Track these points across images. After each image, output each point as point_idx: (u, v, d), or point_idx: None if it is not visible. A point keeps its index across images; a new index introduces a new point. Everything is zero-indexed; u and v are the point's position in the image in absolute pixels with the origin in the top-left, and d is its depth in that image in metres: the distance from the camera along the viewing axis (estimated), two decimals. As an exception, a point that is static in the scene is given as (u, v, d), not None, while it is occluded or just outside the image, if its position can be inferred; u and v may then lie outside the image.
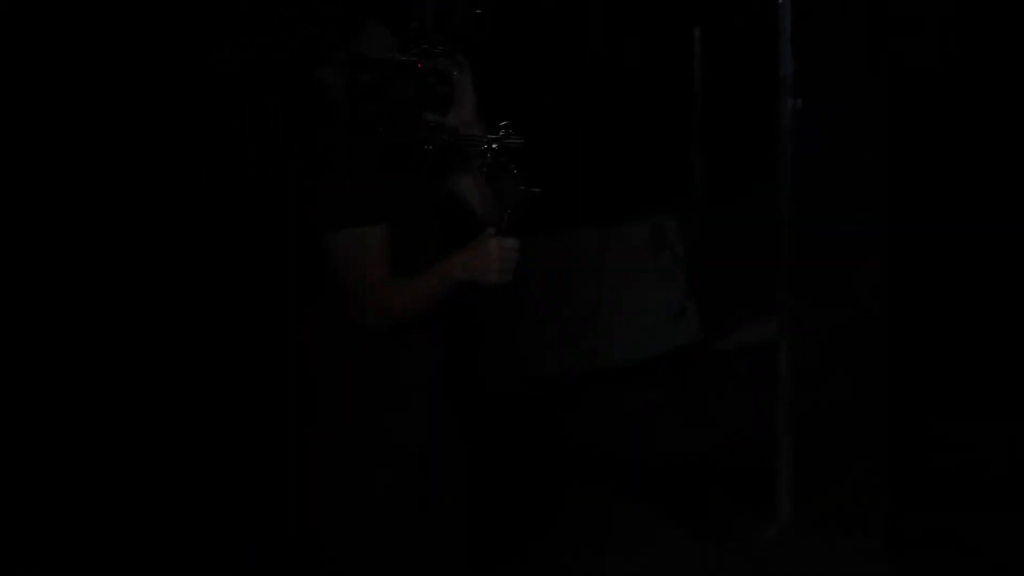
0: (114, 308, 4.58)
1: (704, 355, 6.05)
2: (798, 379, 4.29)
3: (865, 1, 4.20)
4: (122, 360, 4.57)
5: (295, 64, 3.06)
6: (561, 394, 5.70)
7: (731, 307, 6.03)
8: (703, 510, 4.59)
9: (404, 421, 2.80)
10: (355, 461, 2.76)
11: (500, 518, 4.26)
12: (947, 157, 5.93)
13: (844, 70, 4.22)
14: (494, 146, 2.65)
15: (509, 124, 2.66)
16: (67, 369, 4.50)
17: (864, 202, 4.24)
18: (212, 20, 4.56)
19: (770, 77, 4.26)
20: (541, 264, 5.68)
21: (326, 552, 2.77)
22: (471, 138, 2.71)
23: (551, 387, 5.71)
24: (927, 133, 5.64)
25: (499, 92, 4.98)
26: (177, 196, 4.75)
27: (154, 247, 4.67)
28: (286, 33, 3.44)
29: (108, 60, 4.67)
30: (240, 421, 4.43)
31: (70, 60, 4.60)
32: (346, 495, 2.75)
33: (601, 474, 4.99)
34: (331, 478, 2.77)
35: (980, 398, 5.36)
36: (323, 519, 2.77)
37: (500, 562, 3.98)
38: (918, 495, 4.49)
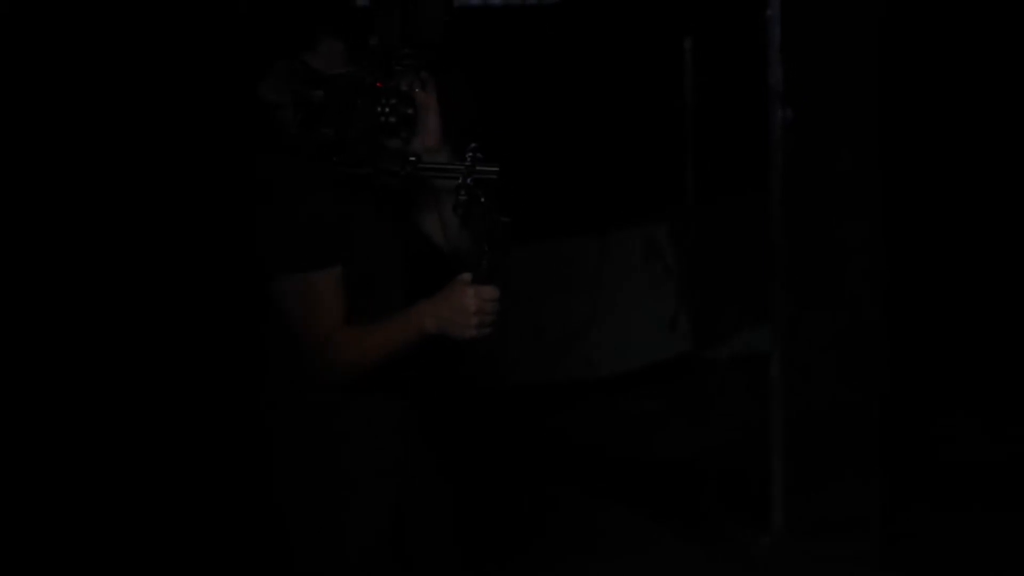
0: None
1: (697, 364, 6.08)
2: (791, 385, 4.32)
3: (858, 9, 4.23)
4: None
5: (236, 79, 2.56)
6: (554, 403, 5.72)
7: (724, 316, 6.06)
8: (698, 518, 4.61)
9: (367, 484, 2.50)
10: (320, 517, 2.49)
11: (491, 526, 4.29)
12: (939, 165, 5.97)
13: (835, 79, 4.25)
14: (469, 180, 2.30)
15: (477, 147, 2.35)
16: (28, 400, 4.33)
17: (858, 209, 4.28)
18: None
19: (761, 87, 4.29)
20: (533, 272, 5.71)
21: None
22: (445, 170, 2.39)
23: (544, 395, 5.73)
24: (920, 140, 5.68)
25: (492, 101, 5.04)
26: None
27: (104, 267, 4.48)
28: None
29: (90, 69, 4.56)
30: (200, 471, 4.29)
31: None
32: (319, 551, 2.49)
33: (595, 482, 5.01)
34: (301, 533, 2.51)
35: (974, 401, 5.40)
36: None
37: (493, 564, 3.99)
38: (912, 499, 4.52)
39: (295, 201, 2.37)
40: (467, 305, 2.25)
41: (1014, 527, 4.35)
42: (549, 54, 5.89)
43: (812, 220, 4.30)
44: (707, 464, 4.95)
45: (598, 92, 5.97)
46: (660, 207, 6.18)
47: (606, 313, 6.04)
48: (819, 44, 4.26)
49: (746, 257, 5.04)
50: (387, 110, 2.41)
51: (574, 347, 5.97)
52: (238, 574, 3.71)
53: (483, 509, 4.14)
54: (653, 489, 4.89)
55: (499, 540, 4.25)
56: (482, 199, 2.28)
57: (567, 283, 6.03)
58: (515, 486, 4.88)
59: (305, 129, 2.36)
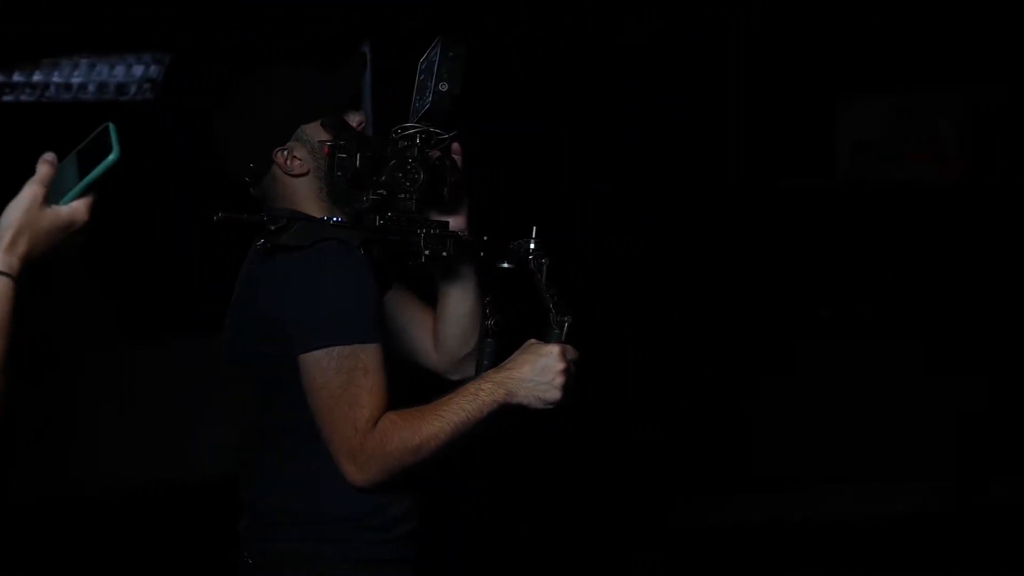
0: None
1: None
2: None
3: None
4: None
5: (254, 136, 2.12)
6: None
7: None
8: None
9: None
10: None
11: None
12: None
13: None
14: (543, 259, 2.11)
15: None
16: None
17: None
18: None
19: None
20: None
21: None
22: (501, 247, 2.12)
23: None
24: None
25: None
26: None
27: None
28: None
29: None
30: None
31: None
32: None
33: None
34: None
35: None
36: None
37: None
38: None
39: (341, 262, 2.00)
40: (553, 364, 2.01)
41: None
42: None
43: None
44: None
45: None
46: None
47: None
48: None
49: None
50: (440, 178, 2.08)
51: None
52: None
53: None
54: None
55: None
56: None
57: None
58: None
59: (354, 188, 2.03)
